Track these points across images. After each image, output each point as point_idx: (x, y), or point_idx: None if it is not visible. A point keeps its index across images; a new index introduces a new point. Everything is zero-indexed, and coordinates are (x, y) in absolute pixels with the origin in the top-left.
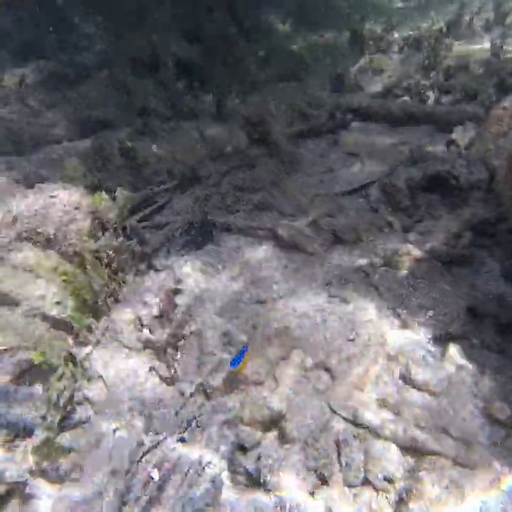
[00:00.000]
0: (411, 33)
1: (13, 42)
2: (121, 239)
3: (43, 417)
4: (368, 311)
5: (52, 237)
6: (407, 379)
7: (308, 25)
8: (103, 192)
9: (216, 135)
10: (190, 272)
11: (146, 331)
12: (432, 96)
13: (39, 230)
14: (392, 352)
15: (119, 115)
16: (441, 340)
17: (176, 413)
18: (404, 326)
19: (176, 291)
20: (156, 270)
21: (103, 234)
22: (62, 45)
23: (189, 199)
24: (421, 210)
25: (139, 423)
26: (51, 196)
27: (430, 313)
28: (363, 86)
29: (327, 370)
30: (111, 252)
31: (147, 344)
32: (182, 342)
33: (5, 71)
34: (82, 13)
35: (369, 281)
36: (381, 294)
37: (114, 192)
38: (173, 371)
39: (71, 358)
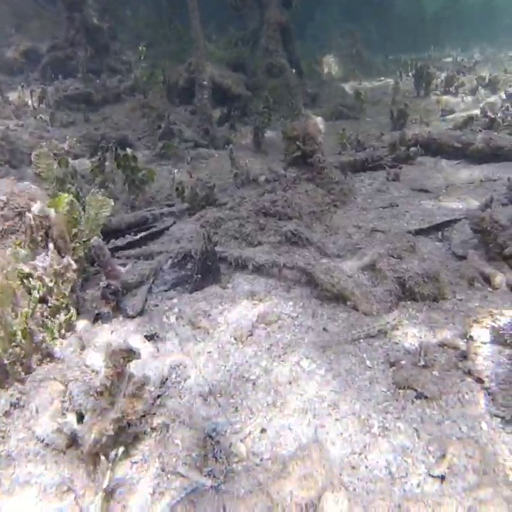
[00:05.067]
0: (485, 74)
1: (45, 59)
2: (66, 260)
3: None
4: (464, 420)
5: None
6: None
7: (367, 72)
8: (71, 196)
9: (250, 165)
10: (174, 323)
11: (71, 417)
12: None
13: None
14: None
15: (143, 138)
16: None
17: None
18: None
19: (130, 355)
20: (126, 317)
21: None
22: (96, 68)
23: (197, 224)
24: None
25: None
26: None
27: None
28: (430, 124)
29: None
30: (49, 281)
31: (71, 442)
32: (130, 444)
33: (30, 87)
34: (124, 41)
35: (464, 367)
36: (488, 390)
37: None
38: (101, 502)
39: None
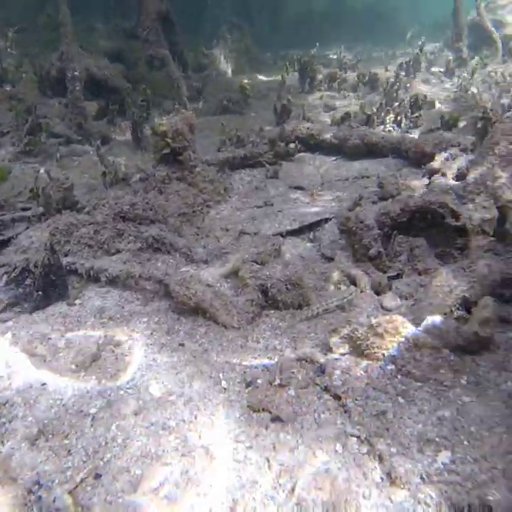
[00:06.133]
0: (365, 73)
1: None
2: None
3: None
4: (319, 443)
5: None
6: None
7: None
8: None
9: (128, 162)
10: (5, 351)
11: None
12: (397, 128)
13: None
14: None
15: (7, 133)
16: None
17: None
18: (394, 482)
19: None
20: None
21: None
22: None
23: (47, 231)
24: (400, 260)
25: None
26: None
27: (444, 456)
28: (312, 120)
29: None
30: None
31: None
32: None
33: None
34: None
35: (322, 382)
36: (344, 407)
37: None
38: None
39: None
